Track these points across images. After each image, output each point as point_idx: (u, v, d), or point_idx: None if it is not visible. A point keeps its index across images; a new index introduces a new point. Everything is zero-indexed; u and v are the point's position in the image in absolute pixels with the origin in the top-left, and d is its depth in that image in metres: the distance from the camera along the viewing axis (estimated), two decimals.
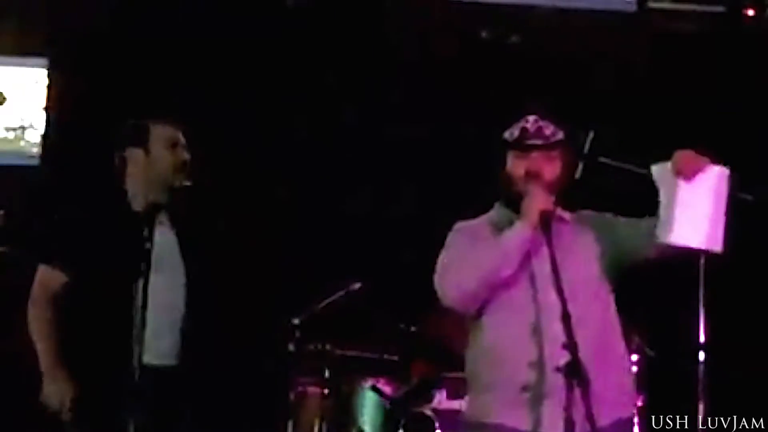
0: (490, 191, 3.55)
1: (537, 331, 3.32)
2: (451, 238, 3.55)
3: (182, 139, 4.02)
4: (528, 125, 3.49)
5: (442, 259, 3.49)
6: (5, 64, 6.71)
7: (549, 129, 3.48)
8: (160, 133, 3.99)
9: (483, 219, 3.59)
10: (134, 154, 3.97)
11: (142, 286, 3.60)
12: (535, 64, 6.46)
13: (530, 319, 3.34)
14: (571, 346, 3.07)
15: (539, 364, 3.30)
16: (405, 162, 6.40)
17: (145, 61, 6.46)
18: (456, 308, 3.44)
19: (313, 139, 6.46)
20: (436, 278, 3.46)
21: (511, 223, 3.40)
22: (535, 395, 3.30)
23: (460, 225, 3.59)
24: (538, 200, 3.35)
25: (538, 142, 3.46)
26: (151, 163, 3.95)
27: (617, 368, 3.44)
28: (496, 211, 3.57)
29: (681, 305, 4.52)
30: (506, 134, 3.51)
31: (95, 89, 6.49)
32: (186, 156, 3.98)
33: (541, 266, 3.33)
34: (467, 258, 3.39)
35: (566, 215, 3.51)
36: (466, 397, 3.58)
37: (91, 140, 6.44)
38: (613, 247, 3.48)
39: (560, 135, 3.50)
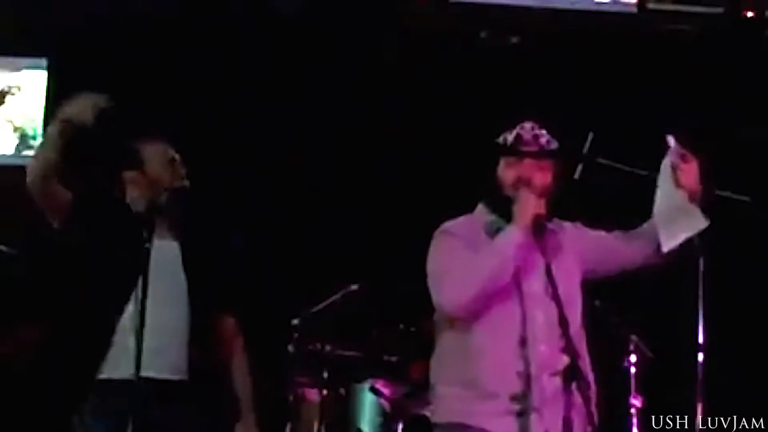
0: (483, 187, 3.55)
1: (525, 340, 3.32)
2: (440, 241, 3.51)
3: (178, 157, 4.01)
4: (523, 132, 3.48)
5: (436, 265, 3.46)
6: (4, 65, 6.72)
7: (544, 137, 3.48)
8: (155, 153, 3.98)
9: (472, 222, 3.55)
10: (132, 177, 3.97)
11: (141, 289, 3.60)
12: (535, 65, 6.46)
13: (518, 328, 3.33)
14: (570, 350, 3.08)
15: (527, 375, 3.29)
16: (404, 163, 6.40)
17: (145, 61, 6.47)
18: (452, 316, 3.41)
19: (311, 140, 6.46)
20: (432, 285, 3.44)
21: (500, 229, 3.39)
22: (524, 406, 3.28)
23: (447, 228, 3.55)
24: (530, 205, 3.34)
25: (533, 149, 3.45)
26: (151, 184, 3.94)
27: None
28: (484, 215, 3.54)
29: (679, 306, 4.51)
30: (500, 139, 3.51)
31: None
32: (183, 171, 3.98)
33: (528, 273, 3.35)
34: (464, 265, 3.35)
35: (548, 225, 3.47)
36: (443, 395, 3.52)
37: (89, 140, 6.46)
38: (592, 262, 3.51)
39: (554, 145, 3.49)
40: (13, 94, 6.71)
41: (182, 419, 3.77)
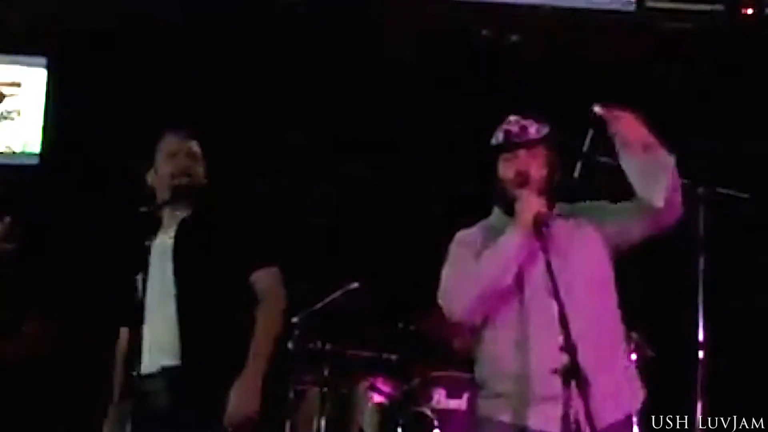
0: (488, 191, 3.55)
1: (526, 339, 3.32)
2: (452, 251, 3.52)
3: (186, 148, 4.01)
4: (510, 126, 3.48)
5: (444, 275, 3.46)
6: (5, 63, 6.71)
7: (533, 126, 3.46)
8: (162, 147, 4.02)
9: (481, 227, 3.56)
10: (150, 173, 4.03)
11: (141, 284, 3.63)
12: (535, 63, 6.46)
13: (519, 327, 3.33)
14: (569, 348, 3.07)
15: (528, 374, 3.30)
16: (404, 161, 6.40)
17: (146, 60, 6.46)
18: (463, 323, 3.44)
19: (311, 139, 6.46)
20: (440, 295, 3.44)
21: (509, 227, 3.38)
22: (525, 403, 3.30)
23: (460, 236, 3.56)
24: (529, 204, 3.33)
25: (523, 140, 3.44)
26: (157, 177, 3.98)
27: (617, 373, 3.40)
28: (495, 217, 3.55)
29: (680, 304, 4.53)
30: (492, 140, 3.50)
31: (95, 88, 6.50)
32: (185, 163, 3.97)
33: (532, 272, 3.33)
34: (468, 271, 3.36)
35: (560, 212, 3.47)
36: (478, 400, 3.54)
37: (90, 139, 6.47)
38: (607, 231, 3.45)
39: (545, 130, 3.48)
40: (12, 119, 6.69)
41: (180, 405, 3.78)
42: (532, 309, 3.34)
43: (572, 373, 3.07)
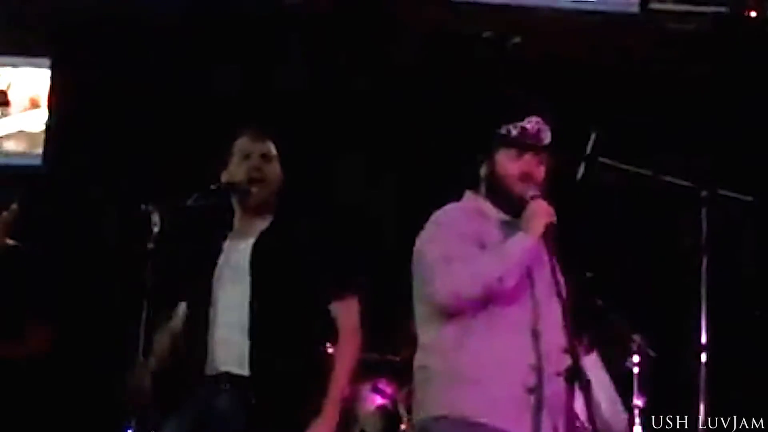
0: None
1: (536, 336, 3.31)
2: (437, 231, 3.47)
3: (260, 148, 4.00)
4: (529, 126, 3.47)
5: (438, 252, 3.38)
6: (7, 64, 6.72)
7: (545, 132, 3.48)
8: (236, 146, 4.01)
9: (468, 211, 3.52)
10: (223, 174, 4.01)
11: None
12: (537, 65, 6.46)
13: (529, 325, 3.33)
14: (572, 350, 3.08)
15: (539, 369, 3.28)
16: (406, 162, 6.41)
17: (150, 60, 6.48)
18: (447, 309, 3.37)
19: (311, 139, 6.45)
20: (429, 272, 3.39)
21: (505, 223, 3.41)
22: (537, 399, 3.27)
23: (443, 219, 3.51)
24: (542, 213, 3.34)
25: (537, 144, 3.45)
26: (228, 177, 3.97)
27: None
28: (483, 205, 3.52)
29: (683, 306, 4.53)
30: (503, 130, 3.49)
31: (99, 88, 6.51)
32: (256, 164, 3.96)
33: (540, 272, 3.35)
34: (471, 261, 3.33)
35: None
36: (450, 395, 3.41)
37: (94, 140, 6.48)
38: None
39: (549, 138, 3.49)
40: (14, 120, 6.71)
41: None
42: (541, 306, 3.35)
43: (576, 375, 3.08)
